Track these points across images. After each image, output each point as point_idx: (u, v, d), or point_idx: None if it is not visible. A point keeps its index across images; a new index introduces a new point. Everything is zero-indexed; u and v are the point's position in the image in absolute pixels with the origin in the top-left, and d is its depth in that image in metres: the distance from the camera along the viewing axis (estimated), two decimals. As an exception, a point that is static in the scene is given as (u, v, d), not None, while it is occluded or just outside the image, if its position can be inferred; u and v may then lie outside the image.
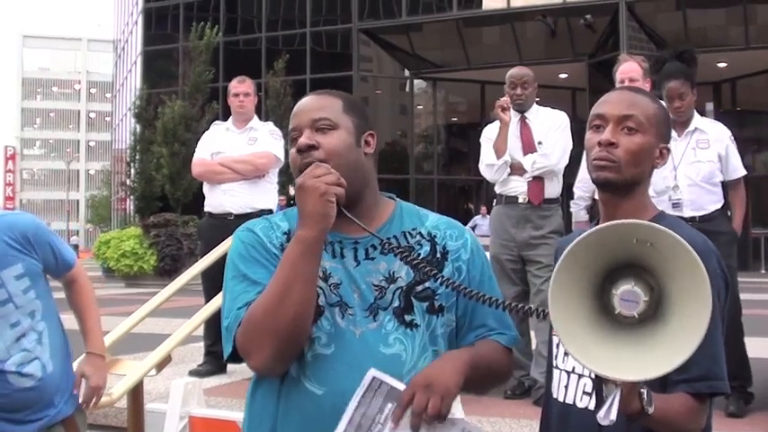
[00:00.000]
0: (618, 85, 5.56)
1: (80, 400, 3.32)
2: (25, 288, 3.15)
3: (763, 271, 21.64)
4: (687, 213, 5.38)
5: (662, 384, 2.01)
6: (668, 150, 2.18)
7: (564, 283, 1.75)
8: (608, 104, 2.19)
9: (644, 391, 1.84)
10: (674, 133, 5.48)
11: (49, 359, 3.22)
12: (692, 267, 1.69)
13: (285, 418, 2.00)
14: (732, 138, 5.56)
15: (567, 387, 2.15)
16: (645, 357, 1.74)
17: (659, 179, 5.47)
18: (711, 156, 5.44)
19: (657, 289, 1.77)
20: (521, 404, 5.62)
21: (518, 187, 5.92)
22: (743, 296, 5.64)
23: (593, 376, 1.94)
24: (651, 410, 1.85)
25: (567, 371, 2.16)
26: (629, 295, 1.73)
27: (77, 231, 36.29)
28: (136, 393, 4.47)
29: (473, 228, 22.36)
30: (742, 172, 5.56)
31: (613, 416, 1.83)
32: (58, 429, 3.26)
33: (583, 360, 1.73)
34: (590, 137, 2.19)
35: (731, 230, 5.48)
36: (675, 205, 5.41)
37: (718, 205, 5.48)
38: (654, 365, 1.72)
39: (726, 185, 5.54)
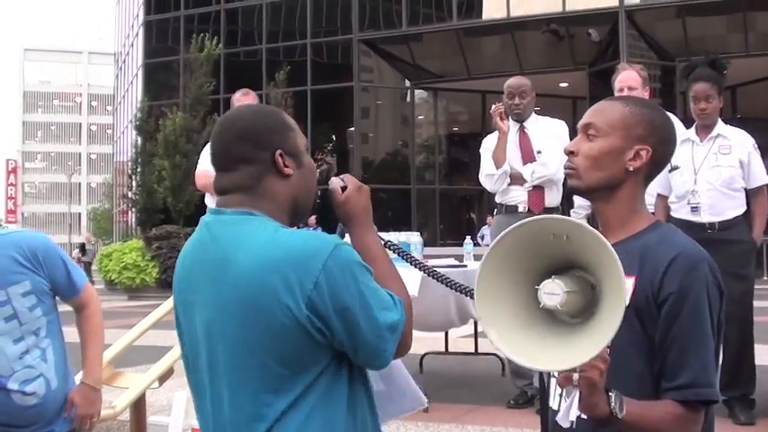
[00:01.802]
0: (617, 93, 5.58)
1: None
2: (31, 305, 3.17)
3: (766, 278, 21.61)
4: (706, 218, 5.38)
5: (655, 392, 2.02)
6: (648, 151, 2.16)
7: (490, 281, 1.87)
8: (583, 116, 2.26)
9: (612, 395, 1.85)
10: (696, 138, 5.50)
11: (54, 376, 3.24)
12: (607, 258, 1.75)
13: None
14: (755, 145, 5.55)
15: (561, 395, 2.16)
16: (567, 350, 1.79)
17: (679, 183, 5.49)
18: (733, 161, 5.43)
19: (598, 286, 1.83)
20: (524, 413, 5.62)
21: (518, 196, 5.93)
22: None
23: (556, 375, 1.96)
24: (621, 415, 1.85)
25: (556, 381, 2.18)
26: (549, 288, 1.79)
27: (82, 245, 36.06)
28: (138, 406, 4.48)
29: (481, 238, 22.39)
30: (764, 180, 5.53)
31: (572, 416, 1.86)
32: None
33: (499, 344, 1.83)
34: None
35: (750, 239, 5.46)
36: (694, 209, 5.42)
37: (739, 211, 5.46)
38: (570, 358, 1.77)
39: (748, 193, 5.52)
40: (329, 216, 2.26)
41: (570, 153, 2.20)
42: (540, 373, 2.20)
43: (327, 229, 2.36)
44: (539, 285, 1.81)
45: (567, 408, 1.91)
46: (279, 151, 2.09)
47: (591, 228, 1.76)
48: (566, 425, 1.89)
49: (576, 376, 1.79)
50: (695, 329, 2.00)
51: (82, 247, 35.84)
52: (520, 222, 1.81)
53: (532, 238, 1.83)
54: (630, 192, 2.19)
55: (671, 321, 2.00)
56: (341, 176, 2.24)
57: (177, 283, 2.16)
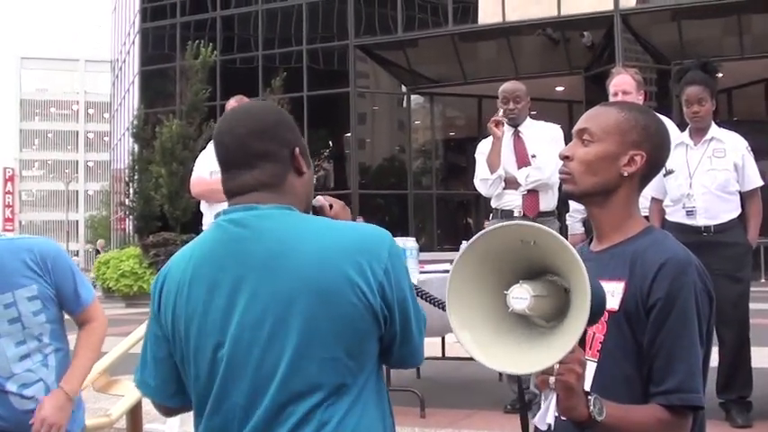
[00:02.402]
0: (611, 97, 5.59)
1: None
2: (36, 310, 3.19)
3: (763, 280, 21.61)
4: (701, 222, 5.39)
5: (645, 396, 2.03)
6: (643, 156, 2.18)
7: (462, 286, 1.88)
8: (577, 124, 2.28)
9: (591, 398, 1.86)
10: (690, 141, 5.51)
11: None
12: (571, 261, 1.77)
13: None
14: (749, 148, 5.56)
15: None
16: (538, 354, 1.81)
17: (674, 187, 5.50)
18: (727, 165, 5.44)
19: (570, 290, 1.84)
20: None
21: (513, 201, 5.93)
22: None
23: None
24: (600, 418, 1.86)
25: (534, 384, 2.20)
26: (517, 293, 1.81)
27: (96, 251, 36.04)
28: (135, 414, 4.47)
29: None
30: (758, 182, 5.54)
31: (549, 419, 1.87)
32: None
33: (470, 348, 1.85)
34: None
35: (745, 242, 5.47)
36: (689, 213, 5.43)
37: (734, 214, 5.47)
38: (539, 361, 1.79)
39: (742, 196, 5.53)
40: None
41: (565, 158, 2.22)
42: (519, 377, 2.23)
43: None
44: (508, 291, 1.83)
45: (544, 410, 1.91)
46: (297, 149, 2.09)
47: (554, 232, 1.78)
48: (543, 427, 1.90)
49: (552, 379, 1.81)
50: (683, 335, 2.01)
51: (96, 254, 35.78)
52: (486, 230, 1.85)
53: (501, 244, 1.85)
54: (625, 197, 2.21)
55: (659, 327, 2.02)
56: (317, 198, 2.30)
57: (186, 289, 2.00)
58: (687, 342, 2.01)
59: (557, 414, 1.89)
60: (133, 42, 37.18)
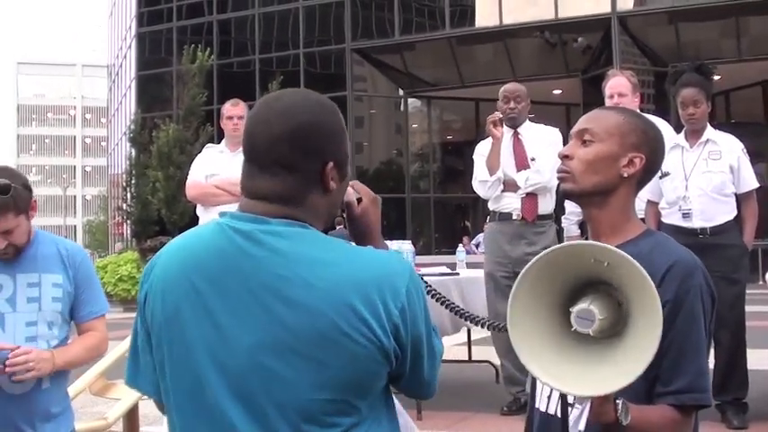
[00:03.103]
0: (607, 100, 5.59)
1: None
2: (55, 297, 3.24)
3: (761, 282, 21.61)
4: (697, 224, 5.39)
5: (648, 396, 2.03)
6: (642, 159, 2.20)
7: (524, 301, 1.82)
8: (577, 123, 2.28)
9: (619, 402, 1.88)
10: (686, 144, 5.51)
11: (48, 375, 3.21)
12: (642, 285, 1.74)
13: None
14: (744, 150, 5.57)
15: (549, 397, 2.19)
16: (600, 373, 1.78)
17: (670, 189, 5.50)
18: (723, 167, 5.44)
19: (626, 304, 1.81)
20: (517, 420, 5.59)
21: (511, 204, 5.93)
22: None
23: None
24: (626, 422, 1.88)
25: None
26: (584, 314, 1.77)
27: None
28: (131, 417, 4.46)
29: (476, 246, 22.34)
30: (754, 184, 5.55)
31: (582, 426, 1.87)
32: None
33: (537, 373, 1.79)
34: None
35: (741, 244, 5.47)
36: (685, 215, 5.43)
37: (730, 216, 5.47)
38: (606, 382, 1.76)
39: (738, 198, 5.54)
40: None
41: (565, 157, 2.23)
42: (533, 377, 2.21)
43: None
44: (572, 308, 1.79)
45: (577, 416, 1.95)
46: (330, 164, 1.84)
47: (635, 262, 1.73)
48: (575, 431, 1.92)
49: None
50: (691, 336, 2.03)
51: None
52: (562, 245, 1.81)
53: (571, 260, 1.81)
54: (623, 198, 2.22)
55: (667, 328, 2.01)
56: (351, 184, 2.02)
57: (171, 296, 1.82)
58: (695, 343, 2.04)
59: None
60: (130, 47, 37.21)
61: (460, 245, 7.70)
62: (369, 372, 1.74)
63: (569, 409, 2.13)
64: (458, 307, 2.46)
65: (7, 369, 2.98)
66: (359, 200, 2.02)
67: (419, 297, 1.82)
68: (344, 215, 2.05)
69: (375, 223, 2.05)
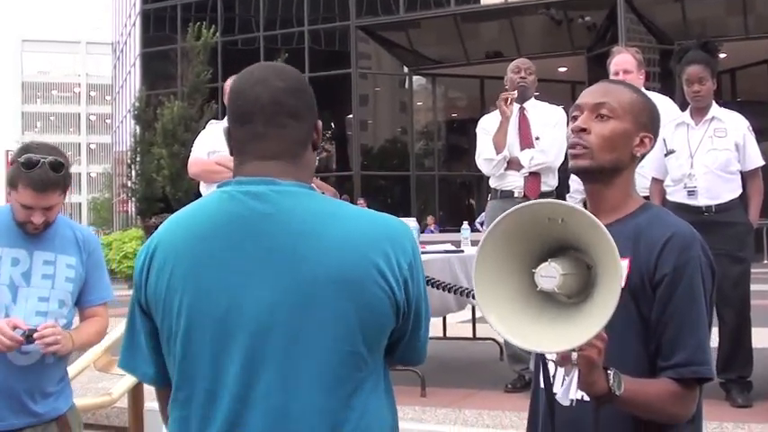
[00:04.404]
0: (612, 77, 5.57)
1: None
2: (68, 278, 3.29)
3: (766, 261, 21.61)
4: (702, 202, 5.37)
5: (651, 371, 2.03)
6: (651, 139, 2.20)
7: (488, 266, 1.88)
8: (584, 95, 2.25)
9: (611, 372, 1.88)
10: (691, 121, 5.49)
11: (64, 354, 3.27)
12: (602, 240, 1.77)
13: None
14: (750, 128, 5.54)
15: (554, 377, 2.17)
16: (565, 331, 1.82)
17: (676, 167, 5.49)
18: (728, 144, 5.42)
19: (595, 267, 1.86)
20: (521, 397, 5.61)
21: (514, 182, 5.92)
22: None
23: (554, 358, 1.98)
24: (619, 392, 1.89)
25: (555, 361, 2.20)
26: (545, 271, 1.81)
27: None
28: (136, 393, 4.49)
29: (481, 223, 22.31)
30: (759, 162, 5.53)
31: (572, 395, 1.89)
32: (51, 427, 3.28)
33: (498, 328, 1.86)
34: (568, 129, 2.25)
35: (746, 221, 5.46)
36: (691, 193, 5.41)
37: (736, 194, 5.45)
38: (569, 339, 1.80)
39: (743, 176, 5.52)
40: None
41: (582, 130, 2.18)
42: (537, 354, 2.23)
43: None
44: (535, 269, 1.84)
45: (566, 386, 1.95)
46: (319, 121, 1.95)
47: (585, 210, 1.78)
48: (566, 403, 1.94)
49: (574, 355, 1.83)
50: (691, 309, 2.03)
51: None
52: (514, 208, 1.83)
53: (528, 222, 1.85)
54: (628, 176, 2.22)
55: (666, 301, 2.03)
56: (313, 182, 2.09)
57: (187, 262, 1.81)
58: (695, 315, 2.03)
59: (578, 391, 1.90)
60: (134, 24, 37.10)
61: (465, 222, 7.67)
62: (380, 324, 1.80)
63: (551, 377, 2.13)
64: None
65: (37, 342, 3.05)
66: (322, 194, 2.08)
67: (420, 257, 1.88)
68: None
69: None
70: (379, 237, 1.80)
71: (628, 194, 2.21)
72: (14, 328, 3.03)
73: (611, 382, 1.87)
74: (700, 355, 2.02)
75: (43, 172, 3.09)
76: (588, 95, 2.23)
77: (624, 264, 2.03)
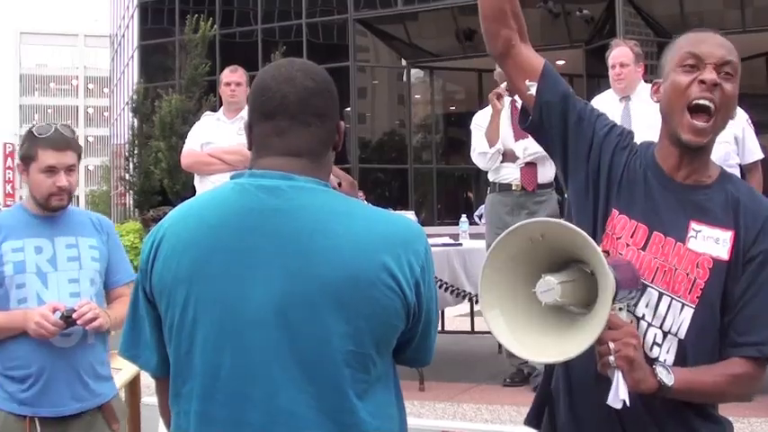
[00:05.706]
0: (610, 69, 5.56)
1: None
2: (93, 257, 3.37)
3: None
4: None
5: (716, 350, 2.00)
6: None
7: (494, 283, 1.90)
8: (705, 45, 2.06)
9: (656, 366, 1.85)
10: None
11: (101, 331, 3.31)
12: (582, 243, 1.78)
13: None
14: (749, 121, 5.53)
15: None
16: (565, 341, 1.83)
17: None
18: (727, 137, 5.41)
19: (593, 271, 1.85)
20: (520, 391, 5.62)
21: (511, 174, 5.92)
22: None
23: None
24: (671, 384, 1.86)
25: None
26: (543, 285, 1.81)
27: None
28: (133, 387, 4.47)
29: (479, 217, 22.29)
30: (759, 155, 5.52)
31: (622, 396, 1.85)
32: (96, 415, 3.33)
33: (524, 355, 1.93)
34: (681, 78, 2.04)
35: None
36: None
37: None
38: (567, 349, 1.81)
39: (742, 169, 5.51)
40: None
41: (715, 85, 2.01)
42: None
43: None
44: (534, 288, 1.83)
45: (614, 389, 1.88)
46: (341, 122, 1.95)
47: (560, 221, 1.80)
48: (617, 405, 1.86)
49: (612, 358, 1.80)
50: None
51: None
52: (495, 242, 1.87)
53: (516, 248, 1.86)
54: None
55: (754, 277, 1.98)
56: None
57: (194, 251, 1.80)
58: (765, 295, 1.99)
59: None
60: (132, 17, 36.99)
61: (464, 215, 7.66)
62: (390, 326, 1.78)
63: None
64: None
65: (78, 321, 3.12)
66: (339, 184, 2.07)
67: (432, 261, 1.87)
68: None
69: None
70: (391, 238, 1.79)
71: (709, 159, 2.14)
72: (54, 310, 3.12)
73: (659, 375, 1.85)
74: None
75: (58, 133, 3.24)
76: (713, 48, 2.06)
77: (727, 236, 1.99)
